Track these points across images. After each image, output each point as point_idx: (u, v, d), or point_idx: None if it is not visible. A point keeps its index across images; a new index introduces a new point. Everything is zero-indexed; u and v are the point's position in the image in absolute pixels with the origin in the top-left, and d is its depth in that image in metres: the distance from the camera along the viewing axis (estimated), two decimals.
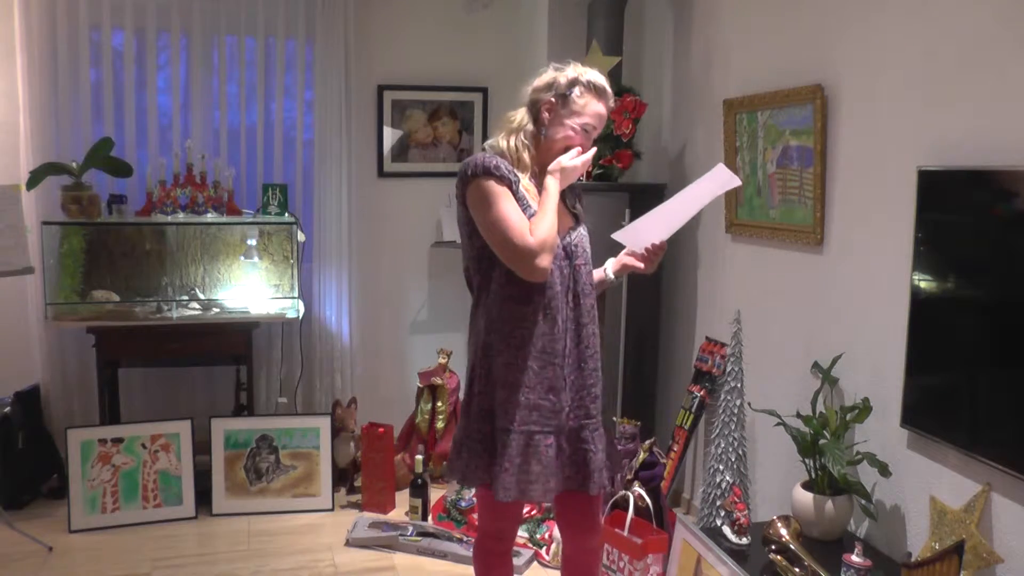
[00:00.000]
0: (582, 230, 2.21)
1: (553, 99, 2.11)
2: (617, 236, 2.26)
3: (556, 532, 3.28)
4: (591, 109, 2.12)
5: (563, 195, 2.17)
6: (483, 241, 2.06)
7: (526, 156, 2.12)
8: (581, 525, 2.28)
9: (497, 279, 2.08)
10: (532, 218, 2.04)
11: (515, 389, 2.07)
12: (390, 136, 4.37)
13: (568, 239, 2.14)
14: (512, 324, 2.07)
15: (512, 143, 2.13)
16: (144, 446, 3.61)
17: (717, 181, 2.21)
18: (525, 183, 2.12)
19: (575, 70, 2.12)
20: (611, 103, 2.17)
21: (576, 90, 2.10)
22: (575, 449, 2.14)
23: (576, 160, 2.12)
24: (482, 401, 2.12)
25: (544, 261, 2.01)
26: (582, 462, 2.14)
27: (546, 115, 2.12)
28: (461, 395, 2.21)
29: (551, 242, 2.03)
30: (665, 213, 2.22)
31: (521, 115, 2.16)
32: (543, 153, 2.15)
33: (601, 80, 2.13)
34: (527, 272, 2.01)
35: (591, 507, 2.26)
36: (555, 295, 2.08)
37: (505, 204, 2.02)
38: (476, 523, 3.45)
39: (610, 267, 2.29)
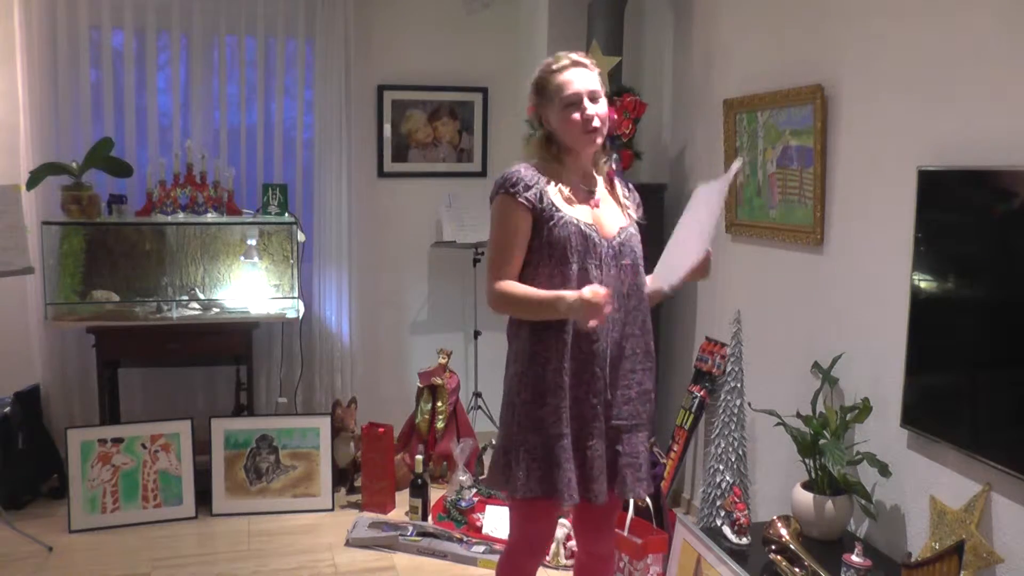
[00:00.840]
0: (632, 229, 2.16)
1: (538, 100, 2.12)
2: (655, 280, 2.19)
3: (558, 532, 3.27)
4: (567, 78, 2.07)
5: (614, 189, 2.20)
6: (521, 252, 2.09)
7: (553, 165, 2.12)
8: (593, 530, 2.26)
9: (538, 287, 2.05)
10: (527, 278, 2.05)
11: (562, 394, 2.04)
12: (390, 136, 4.38)
13: (618, 238, 2.10)
14: (554, 330, 2.04)
15: (536, 162, 2.14)
16: (144, 446, 3.61)
17: (722, 182, 2.14)
18: (560, 186, 2.10)
19: (541, 64, 2.14)
20: (586, 62, 2.10)
21: (543, 79, 2.10)
22: (606, 450, 2.11)
23: (591, 304, 1.90)
24: (531, 411, 2.07)
25: (491, 307, 2.10)
26: (610, 464, 2.11)
27: (545, 119, 2.12)
28: (500, 402, 2.19)
29: (506, 304, 2.06)
30: (684, 234, 2.15)
31: (532, 136, 2.21)
32: (566, 153, 2.13)
33: (564, 55, 2.10)
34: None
35: (606, 511, 2.22)
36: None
37: (506, 235, 2.05)
38: (478, 523, 3.45)
39: (661, 282, 2.18)
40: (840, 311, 2.80)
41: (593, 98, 2.06)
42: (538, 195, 2.04)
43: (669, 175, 3.94)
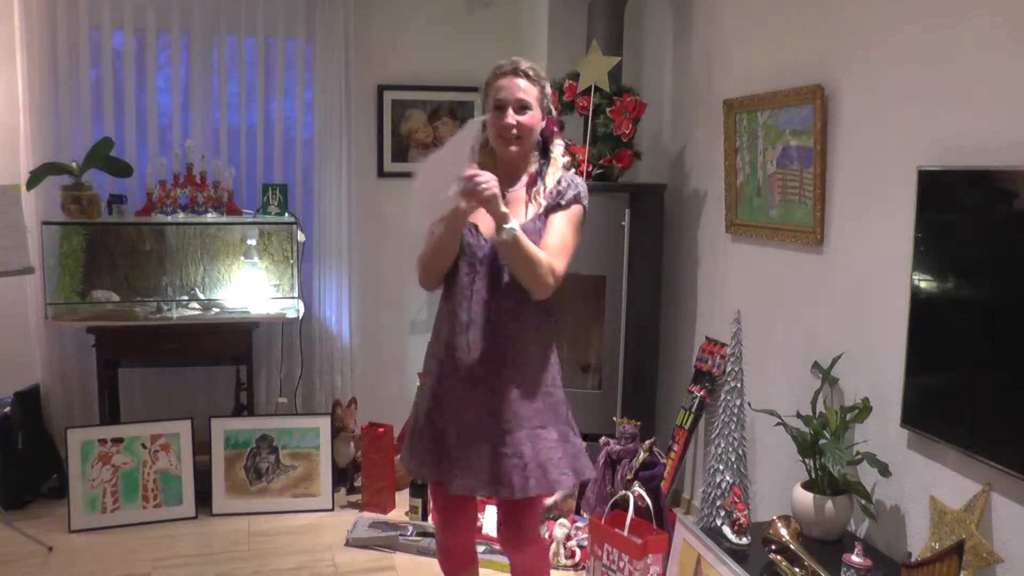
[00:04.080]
0: (526, 226, 2.13)
1: (484, 99, 2.25)
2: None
3: (556, 532, 3.28)
4: (502, 84, 2.17)
5: (532, 186, 2.22)
6: None
7: (488, 163, 2.22)
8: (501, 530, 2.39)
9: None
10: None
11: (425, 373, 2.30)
12: (390, 136, 4.37)
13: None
14: (436, 319, 2.28)
15: (479, 161, 2.28)
16: (144, 446, 3.61)
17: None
18: None
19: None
20: (528, 72, 2.17)
21: (488, 80, 2.21)
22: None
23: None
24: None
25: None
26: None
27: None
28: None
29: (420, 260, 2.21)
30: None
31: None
32: (496, 153, 2.24)
33: (512, 62, 2.18)
34: None
35: (503, 511, 2.34)
36: (459, 290, 2.17)
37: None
38: (478, 523, 3.44)
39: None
40: (840, 311, 2.80)
41: (519, 107, 2.15)
42: None
43: (669, 175, 3.94)
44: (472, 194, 1.99)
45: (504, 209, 2.04)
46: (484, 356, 2.14)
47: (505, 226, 2.02)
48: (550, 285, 2.11)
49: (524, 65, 2.18)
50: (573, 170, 2.30)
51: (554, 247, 2.13)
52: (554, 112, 2.28)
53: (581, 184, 2.23)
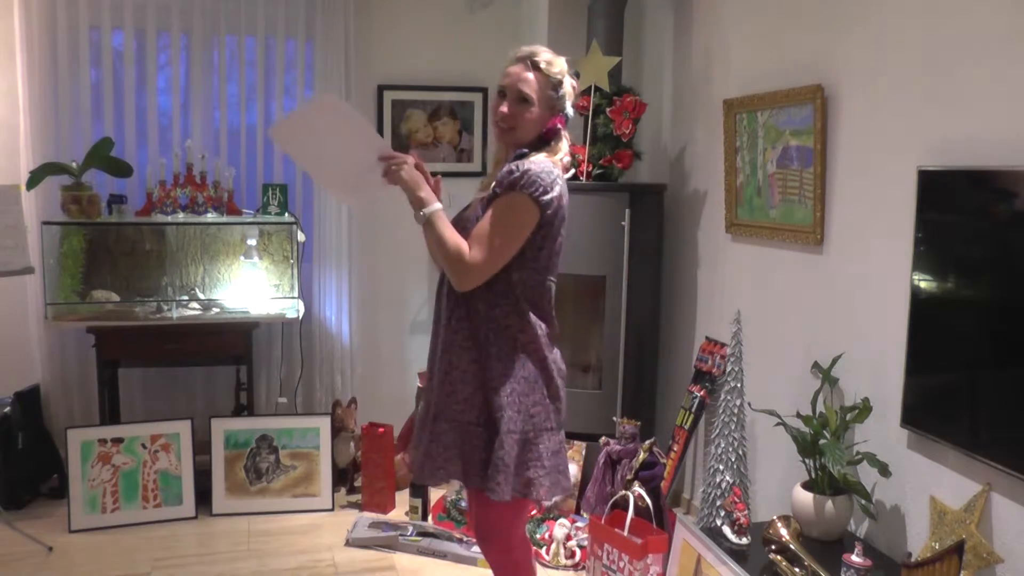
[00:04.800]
0: (469, 213, 2.16)
1: None
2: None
3: (556, 532, 3.28)
4: (508, 70, 2.13)
5: None
6: None
7: (501, 151, 2.24)
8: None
9: None
10: None
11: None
12: (390, 136, 4.37)
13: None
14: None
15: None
16: (144, 446, 3.61)
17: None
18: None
19: None
20: (540, 63, 2.09)
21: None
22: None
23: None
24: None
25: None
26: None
27: None
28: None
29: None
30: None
31: None
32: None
33: (527, 49, 2.13)
34: None
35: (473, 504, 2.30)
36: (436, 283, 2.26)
37: None
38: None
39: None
40: (840, 311, 2.80)
41: (518, 98, 2.09)
42: None
43: (669, 175, 3.94)
44: (389, 174, 2.06)
45: (421, 193, 2.05)
46: (434, 342, 2.23)
47: (417, 211, 2.06)
48: (461, 274, 2.05)
49: (540, 57, 2.09)
50: (565, 165, 2.15)
51: (474, 235, 2.05)
52: (570, 113, 2.16)
53: (529, 172, 2.01)
